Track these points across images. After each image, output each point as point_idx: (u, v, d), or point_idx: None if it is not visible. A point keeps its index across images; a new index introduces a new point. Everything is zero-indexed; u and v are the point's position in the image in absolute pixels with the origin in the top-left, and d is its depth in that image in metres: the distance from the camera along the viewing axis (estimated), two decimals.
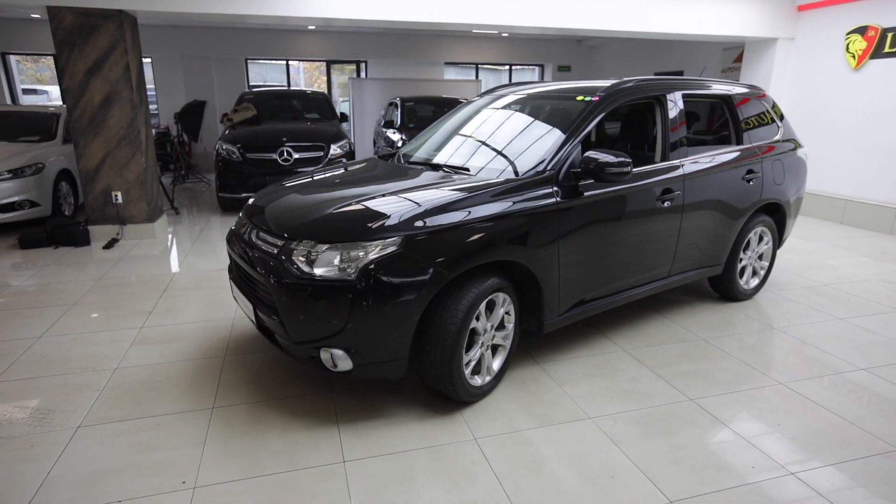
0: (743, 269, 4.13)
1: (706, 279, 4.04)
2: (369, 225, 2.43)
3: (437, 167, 3.26)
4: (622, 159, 2.80)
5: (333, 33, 11.67)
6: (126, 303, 4.11)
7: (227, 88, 11.35)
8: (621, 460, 2.33)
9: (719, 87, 3.89)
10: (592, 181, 2.92)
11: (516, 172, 2.90)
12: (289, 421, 2.61)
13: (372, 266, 2.35)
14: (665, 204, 3.32)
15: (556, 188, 2.84)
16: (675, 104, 3.47)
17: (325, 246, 2.42)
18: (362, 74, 12.42)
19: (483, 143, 3.40)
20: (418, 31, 11.47)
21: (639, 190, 3.19)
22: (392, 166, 3.48)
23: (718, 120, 4.06)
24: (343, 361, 2.45)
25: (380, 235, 2.40)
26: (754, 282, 4.26)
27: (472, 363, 2.70)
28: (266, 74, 12.60)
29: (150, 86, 13.25)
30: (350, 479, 2.21)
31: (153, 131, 7.57)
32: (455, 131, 3.72)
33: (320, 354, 2.47)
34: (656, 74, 10.59)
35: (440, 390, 2.66)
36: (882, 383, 2.99)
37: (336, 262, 2.39)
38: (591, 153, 2.86)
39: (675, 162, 3.41)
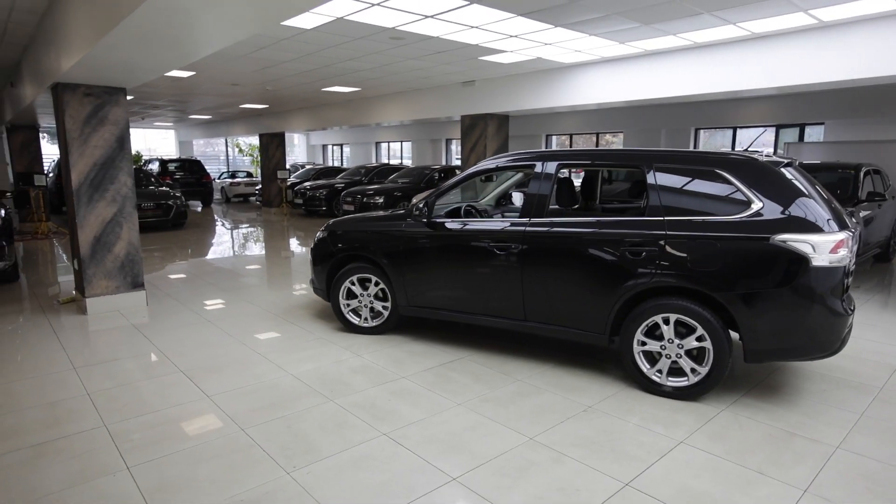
0: (651, 355, 3.63)
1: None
2: (323, 226, 5.20)
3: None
4: (414, 205, 4.28)
5: (785, 97, 11.13)
6: None
7: None
8: (346, 371, 4.19)
9: (625, 156, 3.82)
10: (456, 219, 4.44)
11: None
12: None
13: (316, 241, 5.15)
14: (500, 253, 4.07)
15: (407, 220, 4.53)
16: (539, 172, 4.02)
17: (318, 230, 5.36)
18: (809, 137, 11.03)
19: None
20: None
21: (469, 235, 4.21)
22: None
23: (636, 189, 3.75)
24: (311, 286, 5.33)
25: (322, 229, 5.14)
26: (678, 381, 3.55)
27: (349, 308, 4.89)
28: (717, 141, 13.14)
29: None
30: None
31: None
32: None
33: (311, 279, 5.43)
34: None
35: (337, 317, 5.03)
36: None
37: (316, 237, 5.30)
38: (418, 201, 4.40)
39: (524, 220, 4.01)
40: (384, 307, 4.80)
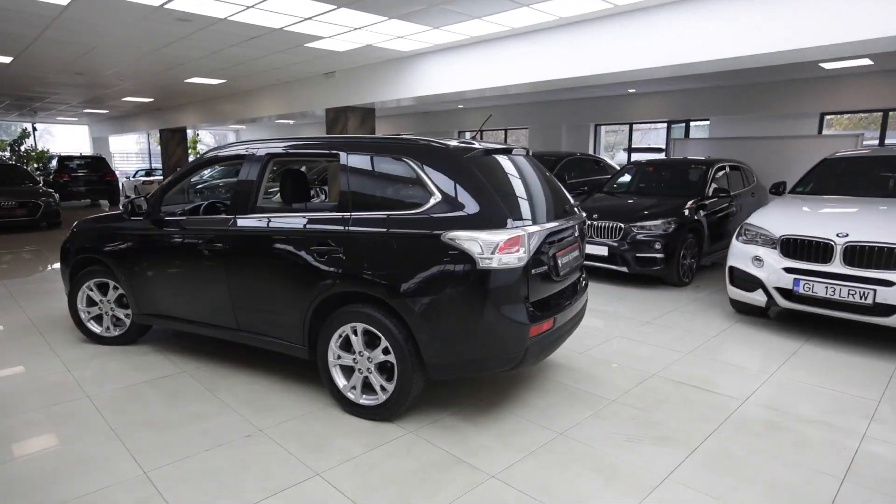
0: (351, 369, 3.21)
1: None
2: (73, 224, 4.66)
3: None
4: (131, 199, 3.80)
5: (676, 93, 10.95)
6: None
7: (574, 149, 12.75)
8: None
9: (319, 144, 3.51)
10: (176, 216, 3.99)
11: None
12: None
13: (63, 242, 4.60)
14: (208, 253, 3.60)
15: (132, 217, 4.01)
16: (247, 164, 3.58)
17: None
18: (695, 134, 10.91)
19: None
20: (790, 78, 9.22)
21: (183, 232, 3.75)
22: None
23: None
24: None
25: (71, 228, 4.59)
26: (370, 399, 3.14)
27: (91, 316, 4.34)
28: (650, 138, 12.98)
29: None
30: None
31: None
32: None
33: None
34: None
35: (77, 326, 4.49)
36: None
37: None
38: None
39: (229, 216, 3.56)
40: (127, 315, 4.29)
